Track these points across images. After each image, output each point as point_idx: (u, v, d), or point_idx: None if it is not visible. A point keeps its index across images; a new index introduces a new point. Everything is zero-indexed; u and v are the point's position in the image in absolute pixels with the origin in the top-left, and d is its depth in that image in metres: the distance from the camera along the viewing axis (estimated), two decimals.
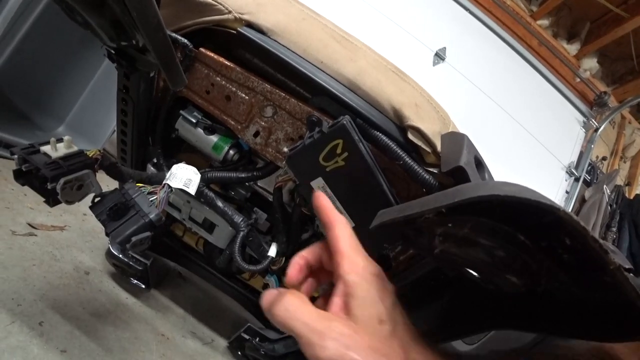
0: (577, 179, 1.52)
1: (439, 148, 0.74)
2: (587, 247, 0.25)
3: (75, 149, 0.61)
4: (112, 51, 0.54)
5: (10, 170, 0.65)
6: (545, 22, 1.92)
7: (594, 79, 1.90)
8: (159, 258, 1.26)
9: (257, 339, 1.07)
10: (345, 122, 0.68)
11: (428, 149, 0.74)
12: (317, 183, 0.74)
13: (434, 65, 1.56)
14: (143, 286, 1.23)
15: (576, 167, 1.54)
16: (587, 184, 1.57)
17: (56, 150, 0.58)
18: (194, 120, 0.86)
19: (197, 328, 1.25)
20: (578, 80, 1.78)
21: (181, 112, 0.86)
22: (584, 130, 1.68)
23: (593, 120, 1.68)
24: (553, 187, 1.59)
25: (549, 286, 0.33)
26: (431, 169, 0.76)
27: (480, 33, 1.66)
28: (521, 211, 0.29)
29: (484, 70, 1.60)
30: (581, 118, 1.71)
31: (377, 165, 0.72)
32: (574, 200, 1.61)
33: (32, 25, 1.63)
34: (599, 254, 0.25)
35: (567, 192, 1.57)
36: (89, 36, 0.54)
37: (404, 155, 0.72)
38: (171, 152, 1.00)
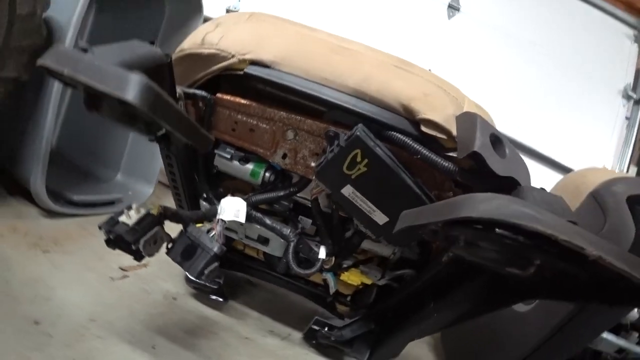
0: (637, 102, 1.38)
1: (454, 132, 0.76)
2: (565, 246, 0.30)
3: (142, 212, 0.74)
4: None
5: (93, 224, 0.81)
6: None
7: None
8: (229, 272, 1.42)
9: (326, 329, 1.19)
10: (359, 132, 0.74)
11: (444, 137, 0.77)
12: (347, 190, 0.81)
13: (449, 18, 1.47)
14: (221, 300, 1.40)
15: (634, 89, 1.38)
16: None
17: (129, 217, 0.72)
18: (228, 156, 0.97)
19: (274, 326, 1.39)
20: None
21: (216, 151, 0.97)
22: (636, 44, 1.48)
23: None
24: (611, 116, 1.43)
25: (556, 271, 0.37)
26: (452, 154, 0.79)
27: None
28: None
29: (505, 8, 1.46)
30: (630, 32, 1.47)
31: (398, 162, 0.77)
32: (636, 126, 1.46)
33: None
34: (575, 251, 0.29)
35: (627, 118, 1.42)
36: None
37: (420, 148, 0.76)
38: (216, 184, 1.12)
